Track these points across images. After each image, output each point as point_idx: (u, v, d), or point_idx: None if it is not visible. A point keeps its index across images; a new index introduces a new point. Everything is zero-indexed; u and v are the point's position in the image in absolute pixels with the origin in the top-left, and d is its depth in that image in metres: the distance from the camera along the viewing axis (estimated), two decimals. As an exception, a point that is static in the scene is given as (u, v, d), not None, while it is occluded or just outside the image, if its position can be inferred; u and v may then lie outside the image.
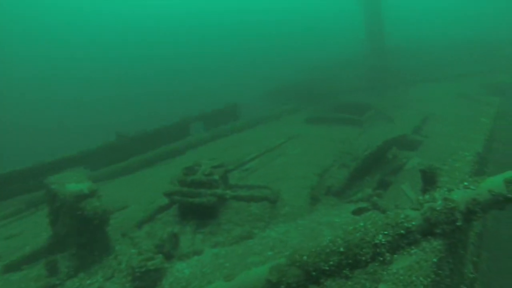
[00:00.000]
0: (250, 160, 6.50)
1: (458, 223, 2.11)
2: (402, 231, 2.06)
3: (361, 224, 2.09)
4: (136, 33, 48.13)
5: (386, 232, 2.05)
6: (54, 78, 33.02)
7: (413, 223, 2.07)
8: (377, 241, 1.99)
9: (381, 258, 2.05)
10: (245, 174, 5.92)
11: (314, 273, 1.86)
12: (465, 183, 2.34)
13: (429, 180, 2.87)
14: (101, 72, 33.92)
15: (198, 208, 4.05)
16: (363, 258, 1.97)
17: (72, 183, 3.37)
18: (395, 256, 2.08)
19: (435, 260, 2.36)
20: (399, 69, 13.35)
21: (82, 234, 3.17)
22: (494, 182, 2.32)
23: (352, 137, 7.14)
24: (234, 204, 4.51)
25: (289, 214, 4.29)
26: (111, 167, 7.08)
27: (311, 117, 8.97)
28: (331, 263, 1.91)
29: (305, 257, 1.94)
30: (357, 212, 3.87)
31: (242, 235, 3.73)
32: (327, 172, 5.59)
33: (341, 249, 1.94)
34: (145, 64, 35.76)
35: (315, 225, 3.68)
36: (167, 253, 3.43)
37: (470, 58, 13.86)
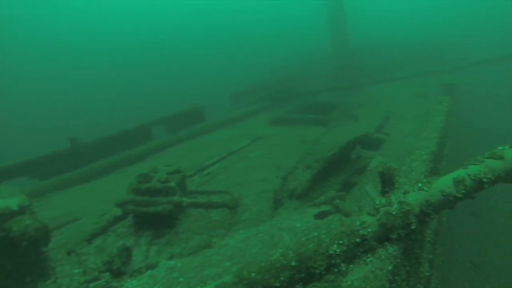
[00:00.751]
0: (211, 164, 6.27)
1: (413, 227, 2.04)
2: (357, 239, 1.95)
3: (315, 234, 1.95)
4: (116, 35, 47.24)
5: (341, 242, 1.92)
6: (46, 78, 31.91)
7: (369, 229, 1.97)
8: (331, 252, 1.86)
9: (336, 270, 1.92)
10: (205, 179, 5.69)
11: None
12: (420, 185, 2.29)
13: (387, 181, 2.81)
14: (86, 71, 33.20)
15: (154, 217, 3.78)
16: (317, 271, 1.83)
17: (-4, 200, 2.95)
18: (351, 266, 1.97)
19: (390, 268, 2.27)
20: (362, 69, 13.67)
21: (7, 259, 2.76)
22: (445, 182, 2.30)
23: (317, 137, 7.11)
24: (193, 211, 4.28)
25: (250, 219, 4.12)
26: (62, 176, 6.56)
27: (275, 118, 8.89)
28: (282, 278, 1.75)
29: (253, 274, 1.76)
30: (319, 216, 3.78)
31: (200, 245, 3.52)
32: (291, 175, 5.49)
33: (293, 263, 1.78)
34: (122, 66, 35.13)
35: (275, 231, 3.53)
36: (117, 270, 3.13)
37: (424, 59, 14.51)
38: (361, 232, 1.94)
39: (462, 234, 7.27)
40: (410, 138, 6.31)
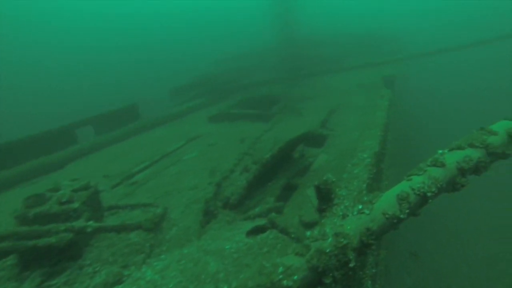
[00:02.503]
0: (140, 170, 5.52)
1: (351, 264, 1.63)
2: (279, 295, 1.47)
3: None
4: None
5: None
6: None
7: (295, 277, 1.51)
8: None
9: None
10: (132, 189, 4.94)
11: None
12: (360, 206, 1.89)
13: (325, 197, 2.40)
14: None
15: (48, 251, 3.00)
16: None
17: None
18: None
19: None
20: (307, 59, 13.55)
21: None
22: (387, 201, 1.93)
23: (258, 135, 6.67)
24: (108, 233, 3.56)
25: (176, 238, 3.53)
26: None
27: (215, 115, 8.28)
28: None
29: None
30: (253, 232, 3.31)
31: (107, 281, 2.84)
32: (227, 179, 4.97)
33: None
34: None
35: (201, 255, 2.99)
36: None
37: (366, 50, 14.84)
38: (284, 283, 1.47)
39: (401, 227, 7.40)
40: (354, 132, 6.14)
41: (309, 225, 3.27)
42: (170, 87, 12.56)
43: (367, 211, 1.82)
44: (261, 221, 3.50)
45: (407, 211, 1.86)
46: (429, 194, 1.96)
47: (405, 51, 14.43)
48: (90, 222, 3.17)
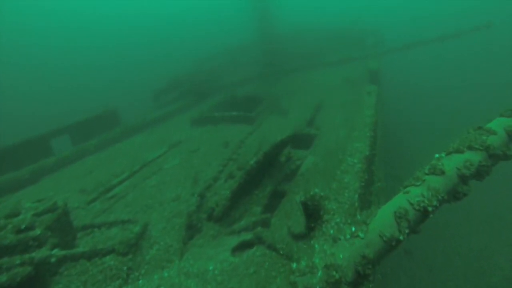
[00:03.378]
0: (118, 182, 5.17)
1: (347, 304, 1.37)
2: None
3: None
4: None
5: None
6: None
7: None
8: None
9: None
10: (109, 204, 4.60)
11: None
12: (353, 228, 1.64)
13: (312, 214, 2.15)
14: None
15: None
16: None
17: None
18: None
19: None
20: (288, 54, 13.31)
21: None
22: (384, 219, 1.69)
23: (242, 138, 6.39)
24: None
25: (156, 259, 3.23)
26: None
27: (197, 118, 7.95)
28: None
29: None
30: (239, 248, 3.04)
31: (76, 318, 2.52)
32: (211, 188, 4.68)
33: None
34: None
35: (182, 280, 2.70)
36: None
37: (349, 44, 14.69)
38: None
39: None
40: (341, 130, 5.92)
41: (299, 237, 3.02)
42: (152, 89, 12.15)
43: (361, 234, 1.57)
44: (247, 235, 3.23)
45: (406, 230, 1.62)
46: (430, 208, 1.72)
47: (386, 44, 14.36)
48: (55, 250, 2.83)
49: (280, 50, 12.33)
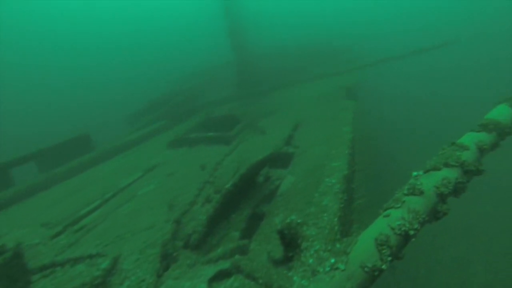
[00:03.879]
0: (88, 212, 4.86)
1: None
2: None
3: None
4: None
5: None
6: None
7: None
8: None
9: None
10: (76, 237, 4.28)
11: None
12: (332, 260, 1.53)
13: (290, 243, 2.03)
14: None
15: None
16: None
17: None
18: None
19: None
20: (265, 74, 13.44)
21: None
22: (365, 247, 1.59)
23: (219, 159, 6.25)
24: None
25: None
26: None
27: (172, 140, 7.76)
28: None
29: None
30: (216, 278, 2.86)
31: None
32: (188, 213, 4.48)
33: None
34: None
35: (155, 322, 2.48)
36: None
37: (325, 60, 15.04)
38: None
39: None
40: (320, 148, 5.89)
41: (279, 263, 2.88)
42: (126, 111, 11.85)
43: (341, 266, 1.46)
44: (225, 264, 3.05)
45: (389, 258, 1.53)
46: (411, 232, 1.65)
47: (362, 59, 14.78)
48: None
49: (257, 69, 12.43)
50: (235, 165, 5.95)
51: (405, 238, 1.66)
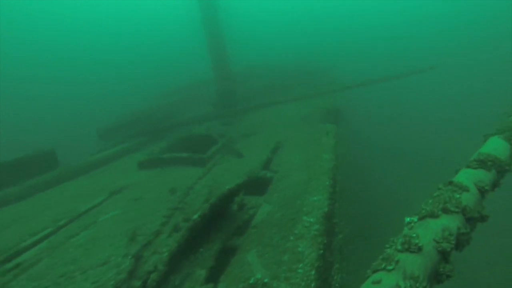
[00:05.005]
0: (32, 244, 4.23)
1: None
2: None
3: None
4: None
5: None
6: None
7: None
8: None
9: None
10: (8, 278, 3.63)
11: None
12: None
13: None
14: None
15: None
16: None
17: None
18: None
19: None
20: (245, 93, 13.21)
21: None
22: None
23: (191, 183, 5.77)
24: None
25: None
26: None
27: (144, 160, 7.24)
28: None
29: None
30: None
31: None
32: (152, 245, 3.95)
33: None
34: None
35: None
36: None
37: (306, 81, 14.97)
38: None
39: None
40: (300, 173, 5.52)
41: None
42: (97, 127, 11.19)
43: None
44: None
45: None
46: (410, 307, 1.26)
47: (343, 81, 14.81)
48: None
49: (236, 89, 12.14)
50: (208, 190, 5.49)
51: None
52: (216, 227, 4.18)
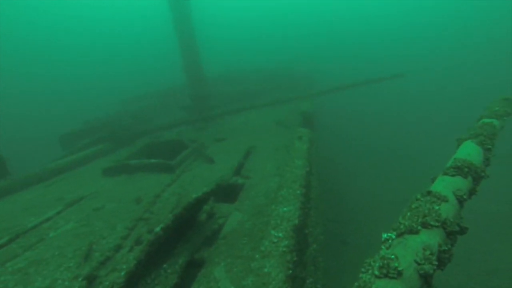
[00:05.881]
0: None
1: None
2: None
3: None
4: None
5: None
6: None
7: None
8: None
9: None
10: None
11: None
12: None
13: None
14: None
15: None
16: None
17: None
18: None
19: None
20: (218, 98, 12.94)
21: None
22: None
23: (158, 191, 5.41)
24: None
25: None
26: None
27: (110, 167, 6.78)
28: None
29: None
30: None
31: None
32: (110, 262, 3.58)
33: None
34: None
35: None
36: None
37: (281, 85, 14.89)
38: None
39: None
40: (272, 179, 5.32)
41: None
42: (60, 131, 10.48)
43: None
44: None
45: None
46: None
47: (318, 85, 14.83)
48: None
49: (210, 94, 11.82)
50: (176, 198, 5.16)
51: None
52: (183, 238, 3.88)
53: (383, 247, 1.50)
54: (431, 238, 1.52)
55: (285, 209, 3.46)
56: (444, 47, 35.63)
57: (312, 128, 8.63)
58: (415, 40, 40.43)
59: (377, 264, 1.33)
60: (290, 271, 2.41)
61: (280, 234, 2.79)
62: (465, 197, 1.85)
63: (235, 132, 9.08)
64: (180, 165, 6.59)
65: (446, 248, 1.50)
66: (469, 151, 2.43)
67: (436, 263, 1.38)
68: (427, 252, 1.40)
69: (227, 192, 5.37)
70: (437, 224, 1.57)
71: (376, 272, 1.30)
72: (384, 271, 1.29)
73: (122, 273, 3.03)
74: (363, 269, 1.37)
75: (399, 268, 1.29)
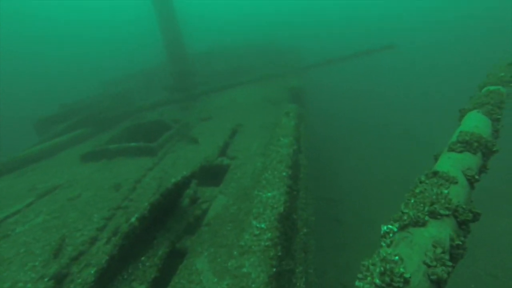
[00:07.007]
0: None
1: None
2: None
3: None
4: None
5: None
6: None
7: None
8: None
9: None
10: None
11: None
12: None
13: None
14: None
15: None
16: None
17: None
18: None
19: None
20: (203, 75, 12.42)
21: None
22: None
23: (139, 176, 5.07)
24: None
25: None
26: None
27: (88, 152, 6.37)
28: None
29: None
30: None
31: None
32: (83, 257, 3.28)
33: None
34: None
35: None
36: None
37: (267, 62, 14.38)
38: None
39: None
40: (259, 159, 5.02)
41: None
42: (36, 115, 9.90)
43: None
44: None
45: None
46: None
47: (306, 60, 14.36)
48: None
49: (192, 72, 11.25)
50: (157, 183, 4.84)
51: None
52: (164, 227, 3.59)
53: (382, 243, 1.22)
54: (442, 231, 1.23)
55: (269, 194, 3.17)
56: (436, 21, 35.08)
57: (302, 104, 8.28)
58: (410, 11, 39.65)
59: (377, 270, 1.04)
60: (274, 269, 2.14)
61: (263, 225, 2.50)
62: (476, 177, 1.57)
63: (221, 110, 8.68)
64: (162, 148, 6.22)
65: (460, 243, 1.23)
66: (476, 123, 2.14)
67: (450, 263, 1.10)
68: (439, 251, 1.12)
69: (212, 174, 5.07)
70: (447, 212, 1.29)
71: (377, 281, 1.01)
72: (387, 279, 1.00)
73: (92, 271, 2.74)
74: (359, 275, 1.09)
75: (406, 275, 1.00)
